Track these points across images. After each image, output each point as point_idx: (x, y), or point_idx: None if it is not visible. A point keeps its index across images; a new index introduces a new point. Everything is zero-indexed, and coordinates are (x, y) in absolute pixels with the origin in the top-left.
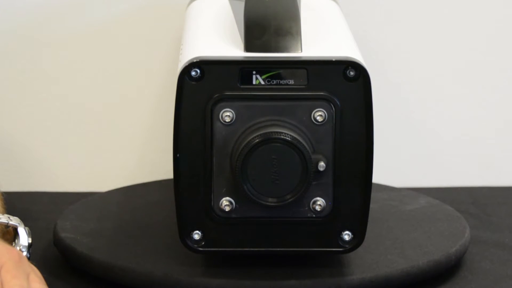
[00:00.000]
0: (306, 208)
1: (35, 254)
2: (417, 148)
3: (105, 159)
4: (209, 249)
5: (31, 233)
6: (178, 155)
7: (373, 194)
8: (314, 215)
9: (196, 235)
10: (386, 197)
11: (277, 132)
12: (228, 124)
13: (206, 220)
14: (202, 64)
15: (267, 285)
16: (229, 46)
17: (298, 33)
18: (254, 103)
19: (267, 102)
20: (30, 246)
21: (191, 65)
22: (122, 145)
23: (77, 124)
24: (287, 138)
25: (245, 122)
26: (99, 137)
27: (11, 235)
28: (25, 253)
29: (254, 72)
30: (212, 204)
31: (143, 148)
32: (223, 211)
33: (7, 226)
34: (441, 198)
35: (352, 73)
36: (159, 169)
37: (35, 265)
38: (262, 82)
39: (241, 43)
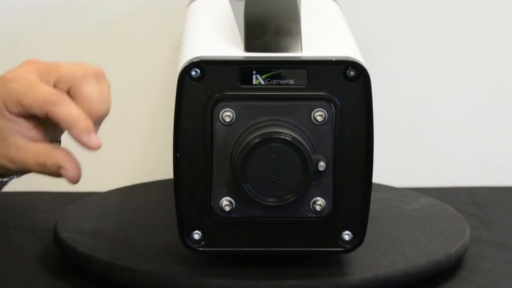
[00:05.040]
0: (306, 208)
1: (35, 254)
2: (417, 148)
3: (105, 159)
4: (209, 249)
5: (31, 233)
6: (178, 155)
7: (373, 194)
8: (314, 215)
9: (196, 235)
10: (386, 197)
11: (277, 132)
12: (228, 124)
13: (206, 220)
14: (202, 64)
15: (267, 285)
16: (229, 46)
17: (298, 33)
18: (254, 103)
19: (267, 102)
20: None
21: (191, 65)
22: (122, 145)
23: None
24: (287, 138)
25: (245, 122)
26: (99, 137)
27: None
28: None
29: (254, 72)
30: (212, 204)
31: (143, 148)
32: (223, 211)
33: None
34: (441, 198)
35: (352, 73)
36: (159, 169)
37: (35, 265)
38: (262, 82)
39: (241, 43)
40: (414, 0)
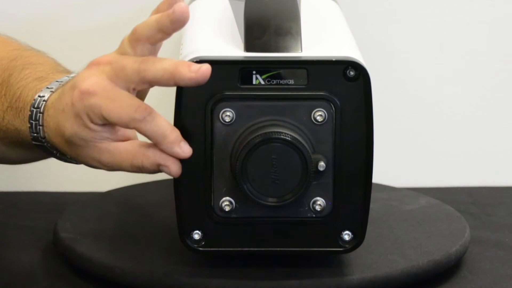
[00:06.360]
0: (306, 208)
1: (35, 254)
2: (417, 148)
3: None
4: (209, 249)
5: (31, 233)
6: None
7: (373, 194)
8: (314, 215)
9: (196, 235)
10: (386, 197)
11: (277, 132)
12: (228, 124)
13: (206, 220)
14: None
15: (267, 285)
16: (229, 46)
17: (298, 33)
18: (254, 103)
19: (267, 102)
20: None
21: None
22: None
23: None
24: (287, 138)
25: (245, 122)
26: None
27: None
28: None
29: (254, 72)
30: (212, 204)
31: None
32: (223, 211)
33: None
34: (441, 198)
35: (352, 73)
36: None
37: (35, 265)
38: (262, 82)
39: (241, 43)
40: (414, 0)
